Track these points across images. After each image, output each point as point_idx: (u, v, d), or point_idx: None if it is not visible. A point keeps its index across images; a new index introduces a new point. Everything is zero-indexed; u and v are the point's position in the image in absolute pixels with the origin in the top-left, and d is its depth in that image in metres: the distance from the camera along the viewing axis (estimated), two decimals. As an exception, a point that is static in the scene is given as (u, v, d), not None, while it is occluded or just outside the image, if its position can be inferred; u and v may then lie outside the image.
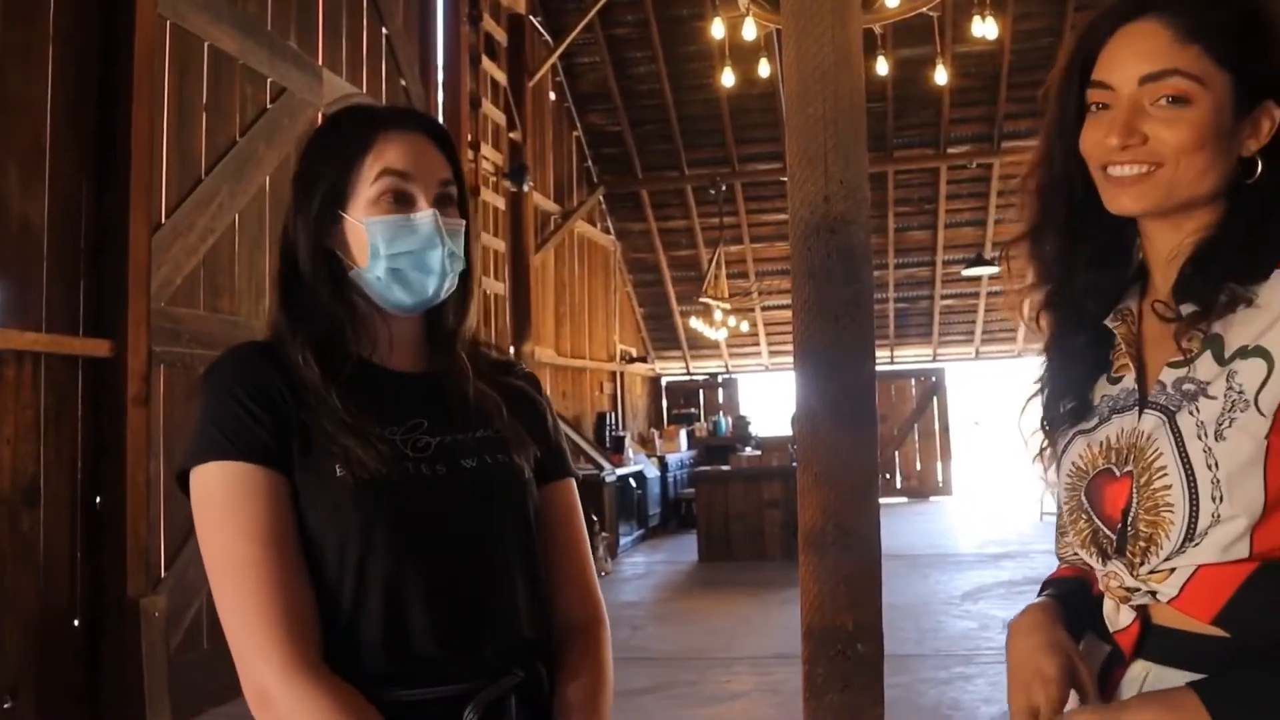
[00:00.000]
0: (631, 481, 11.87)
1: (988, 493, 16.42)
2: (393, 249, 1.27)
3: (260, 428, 1.21)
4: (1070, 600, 1.21)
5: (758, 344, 15.91)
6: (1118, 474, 1.11)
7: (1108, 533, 1.12)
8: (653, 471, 12.93)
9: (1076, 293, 1.20)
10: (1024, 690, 1.14)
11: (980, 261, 13.04)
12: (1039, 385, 1.25)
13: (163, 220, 5.22)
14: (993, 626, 6.90)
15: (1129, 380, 1.14)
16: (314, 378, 1.24)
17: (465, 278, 1.36)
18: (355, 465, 1.20)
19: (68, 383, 4.61)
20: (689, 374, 16.73)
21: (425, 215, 1.28)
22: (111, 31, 4.85)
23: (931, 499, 15.61)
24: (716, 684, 5.77)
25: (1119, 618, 1.12)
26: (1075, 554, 1.20)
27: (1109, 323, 1.16)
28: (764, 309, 15.03)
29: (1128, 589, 1.10)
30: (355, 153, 1.29)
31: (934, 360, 15.91)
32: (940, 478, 16.05)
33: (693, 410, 16.44)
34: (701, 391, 16.75)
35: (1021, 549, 10.33)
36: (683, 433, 14.92)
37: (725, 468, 11.01)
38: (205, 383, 1.26)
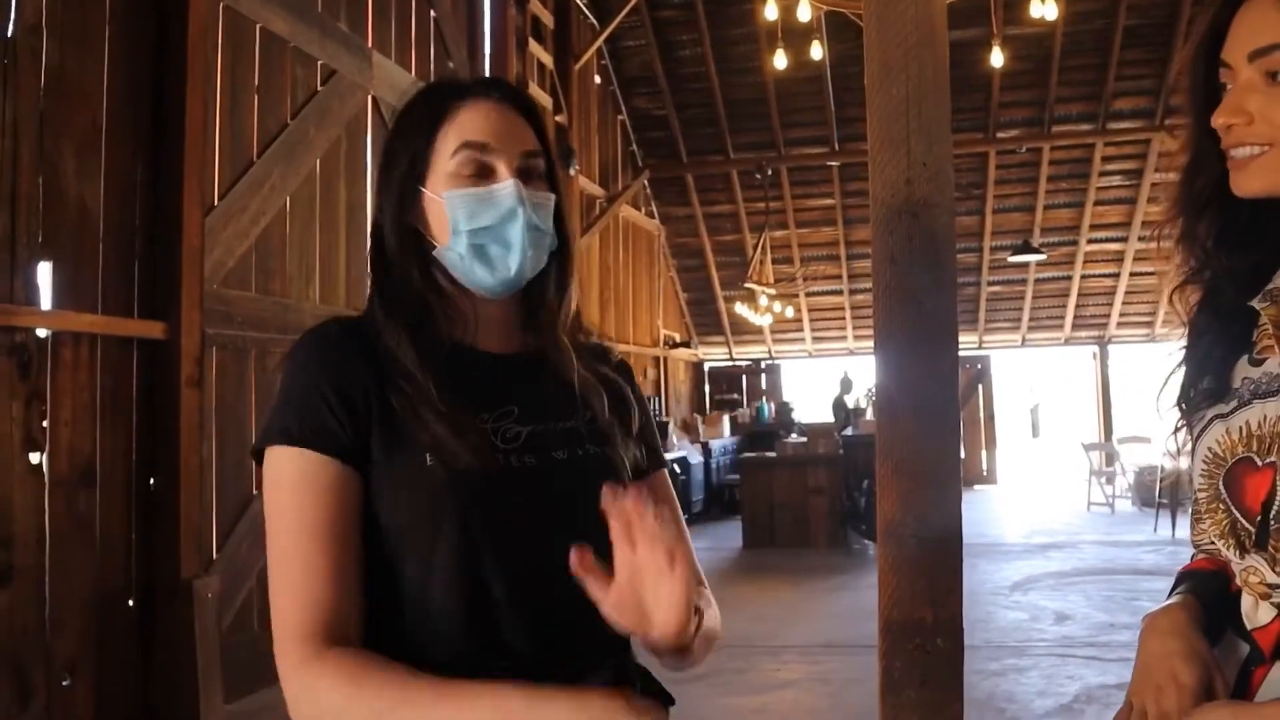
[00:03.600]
0: (675, 467, 11.83)
1: (1033, 481, 16.26)
2: (473, 223, 1.22)
3: (335, 419, 1.17)
4: (1210, 600, 1.14)
5: (801, 330, 15.81)
6: (1259, 464, 1.05)
7: (1246, 525, 1.06)
8: (696, 458, 12.89)
9: (1221, 273, 1.15)
10: (1155, 693, 1.08)
11: (1028, 248, 12.86)
12: (1178, 363, 1.20)
13: (215, 203, 5.23)
14: (1043, 618, 6.81)
15: (1273, 364, 1.08)
16: (409, 362, 1.20)
17: (564, 256, 1.31)
18: (447, 455, 1.16)
19: (123, 364, 4.63)
20: (732, 360, 16.67)
21: (506, 186, 1.22)
22: (165, 15, 4.85)
23: (976, 488, 15.47)
24: (765, 672, 5.73)
25: (1258, 615, 1.07)
26: (1212, 543, 1.13)
27: (1256, 303, 1.11)
28: (809, 295, 14.93)
29: (1269, 585, 1.04)
30: (433, 125, 1.24)
31: (979, 348, 15.74)
32: (985, 466, 15.91)
33: (736, 396, 16.39)
34: (745, 377, 16.69)
35: (1069, 539, 10.22)
36: (726, 419, 14.86)
37: (770, 454, 10.94)
38: (289, 362, 1.22)
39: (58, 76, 4.31)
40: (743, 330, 15.73)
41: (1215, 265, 1.16)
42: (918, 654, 2.04)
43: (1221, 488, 1.10)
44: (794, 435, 12.13)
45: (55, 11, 4.29)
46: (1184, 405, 1.18)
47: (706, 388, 16.72)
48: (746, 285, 12.75)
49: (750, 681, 5.53)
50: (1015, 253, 13.08)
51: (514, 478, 1.20)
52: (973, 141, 13.28)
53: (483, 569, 1.17)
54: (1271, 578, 1.04)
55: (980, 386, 15.92)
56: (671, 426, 12.69)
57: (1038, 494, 14.61)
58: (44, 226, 4.23)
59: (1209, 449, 1.12)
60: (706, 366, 16.83)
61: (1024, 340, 15.62)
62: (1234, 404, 1.10)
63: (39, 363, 4.17)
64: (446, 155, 1.23)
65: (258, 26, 5.61)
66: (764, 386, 16.57)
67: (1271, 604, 1.05)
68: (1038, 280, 14.73)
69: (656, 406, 13.22)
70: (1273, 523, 1.03)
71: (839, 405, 13.46)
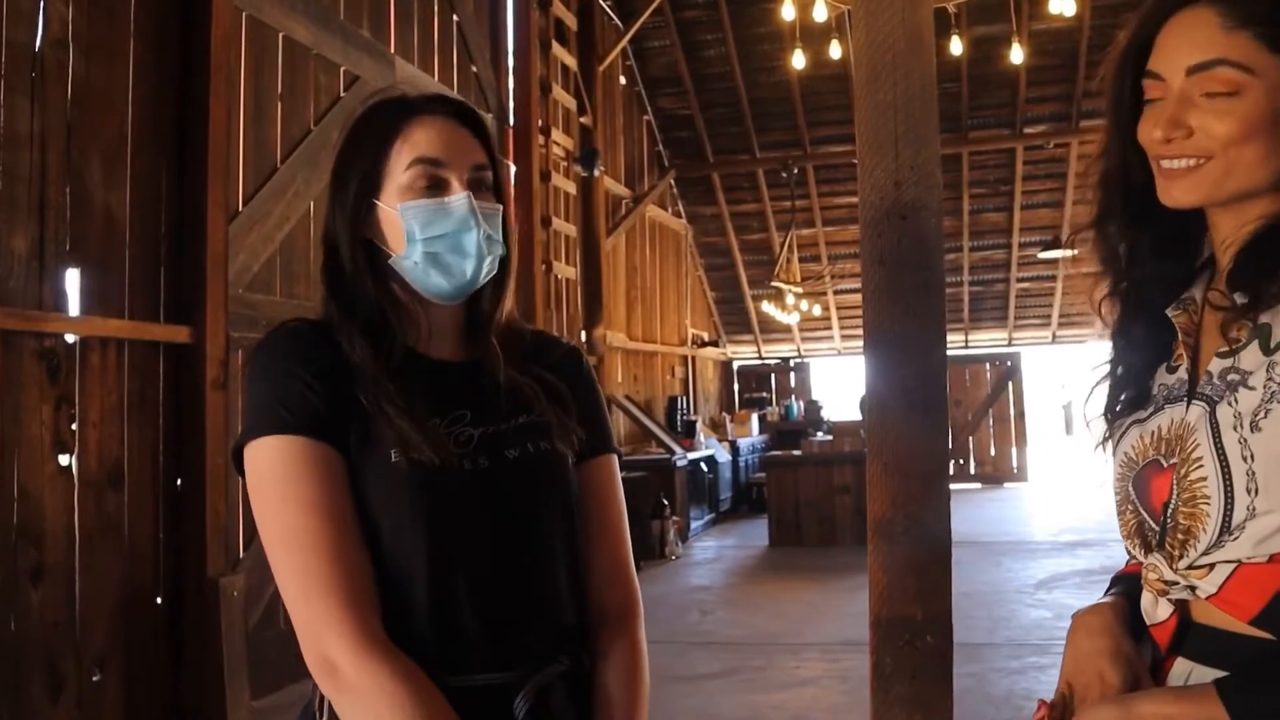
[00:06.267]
0: (702, 466, 11.87)
1: (1064, 479, 16.13)
2: (428, 233, 1.27)
3: (317, 400, 1.21)
4: (1139, 602, 1.17)
5: (830, 328, 15.79)
6: (1164, 465, 1.09)
7: (1152, 524, 1.10)
8: (724, 456, 12.91)
9: (1139, 282, 1.18)
10: (1081, 692, 1.12)
11: (1057, 244, 12.78)
12: (1104, 373, 1.23)
13: (240, 209, 5.32)
14: (1067, 616, 6.68)
15: (1184, 370, 1.11)
16: (368, 363, 1.24)
17: (504, 263, 1.36)
18: (411, 451, 1.21)
19: (149, 368, 4.73)
20: (761, 358, 16.67)
21: (459, 198, 1.27)
22: (189, 24, 4.94)
23: (1006, 485, 15.38)
24: (785, 669, 5.76)
25: (1156, 611, 1.10)
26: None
27: (1170, 312, 1.14)
28: (836, 292, 14.91)
29: (1166, 582, 1.08)
30: (386, 141, 1.29)
31: (1009, 344, 15.65)
32: (1015, 464, 15.80)
33: (764, 394, 16.39)
34: (773, 375, 16.69)
35: (1098, 537, 10.13)
36: (754, 417, 14.86)
37: (796, 453, 10.95)
38: (258, 358, 1.26)
39: (84, 88, 4.40)
40: (771, 329, 15.74)
41: (1138, 274, 1.18)
42: (907, 650, 2.09)
43: (1131, 489, 1.14)
44: (819, 434, 12.11)
45: (81, 25, 4.39)
46: (1109, 414, 1.21)
47: (735, 386, 16.73)
48: (774, 284, 12.75)
49: (770, 679, 5.55)
50: (1044, 249, 13.01)
51: (467, 480, 1.25)
52: (1000, 138, 13.22)
53: (441, 564, 1.21)
54: (1169, 575, 1.07)
55: (1010, 384, 15.82)
56: (699, 425, 12.71)
57: (1069, 492, 14.50)
58: (72, 234, 4.33)
59: (1124, 453, 1.16)
60: (735, 365, 16.84)
61: (1054, 337, 15.52)
62: (1150, 410, 1.14)
63: (68, 367, 4.27)
64: (400, 170, 1.28)
65: (280, 35, 5.70)
66: (793, 385, 16.56)
67: (1169, 600, 1.08)
68: (1068, 276, 14.63)
69: (685, 405, 13.24)
70: (1169, 521, 1.07)
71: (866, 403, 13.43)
